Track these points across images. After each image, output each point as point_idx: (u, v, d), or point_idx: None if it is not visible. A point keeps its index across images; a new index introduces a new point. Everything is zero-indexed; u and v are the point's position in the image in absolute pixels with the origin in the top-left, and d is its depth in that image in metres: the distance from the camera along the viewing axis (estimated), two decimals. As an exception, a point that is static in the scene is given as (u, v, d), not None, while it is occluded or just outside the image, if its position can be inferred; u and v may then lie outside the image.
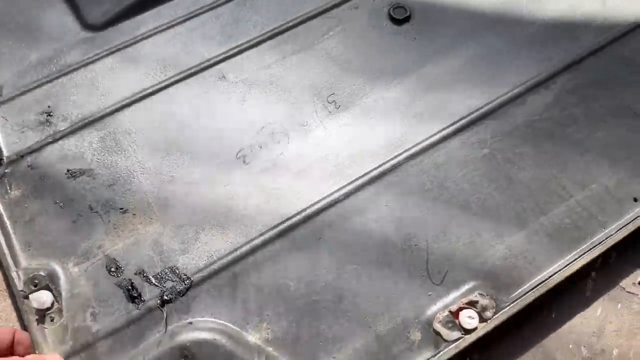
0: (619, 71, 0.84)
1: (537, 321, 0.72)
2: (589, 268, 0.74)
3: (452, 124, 0.81)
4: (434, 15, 0.93)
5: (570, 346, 0.71)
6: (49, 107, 0.86)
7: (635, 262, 0.77)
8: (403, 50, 0.89)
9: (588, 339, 0.71)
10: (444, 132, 0.80)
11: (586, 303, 0.74)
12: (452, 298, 0.69)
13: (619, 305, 0.74)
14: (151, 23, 0.94)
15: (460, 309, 0.68)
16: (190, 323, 0.69)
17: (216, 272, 0.72)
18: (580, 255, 0.71)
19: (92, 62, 0.91)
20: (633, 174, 0.77)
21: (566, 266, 0.71)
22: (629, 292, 0.75)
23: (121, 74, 0.89)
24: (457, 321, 0.67)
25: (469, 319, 0.67)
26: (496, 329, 0.67)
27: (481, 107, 0.82)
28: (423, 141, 0.80)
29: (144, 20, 0.94)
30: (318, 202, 0.76)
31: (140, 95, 0.87)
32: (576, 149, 0.79)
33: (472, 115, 0.81)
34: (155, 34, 0.93)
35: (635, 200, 0.75)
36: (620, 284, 0.76)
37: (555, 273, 0.70)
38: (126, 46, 0.92)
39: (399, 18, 0.92)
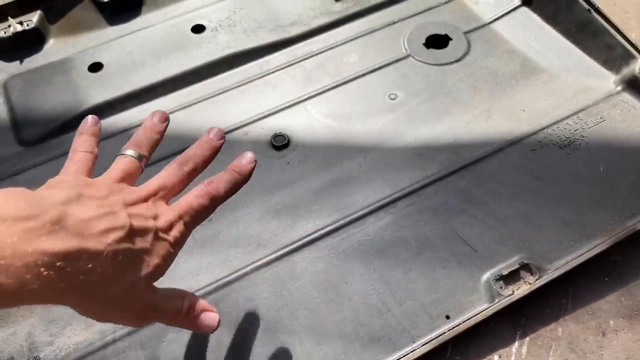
0: (452, 200, 0.96)
1: None
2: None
3: (298, 240, 0.93)
4: (308, 144, 1.08)
5: None
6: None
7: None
8: (275, 173, 1.04)
9: None
10: (289, 248, 0.92)
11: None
12: (264, 399, 0.78)
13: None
14: (69, 143, 1.11)
15: (267, 409, 0.77)
16: (37, 407, 0.79)
17: (69, 364, 0.83)
18: (386, 366, 0.80)
19: (18, 173, 1.08)
20: (449, 293, 0.86)
21: (371, 375, 0.79)
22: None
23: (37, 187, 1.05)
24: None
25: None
26: None
27: (325, 227, 0.94)
28: (269, 255, 0.92)
29: (67, 139, 1.12)
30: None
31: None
32: (401, 268, 0.89)
33: (316, 234, 0.94)
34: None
35: (448, 317, 0.84)
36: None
37: (360, 381, 0.79)
38: (46, 161, 1.09)
39: (278, 145, 1.07)
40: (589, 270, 0.92)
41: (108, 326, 0.87)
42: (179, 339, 0.85)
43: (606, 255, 0.93)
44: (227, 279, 0.90)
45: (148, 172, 1.05)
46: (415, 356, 0.81)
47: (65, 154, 1.11)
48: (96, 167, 1.06)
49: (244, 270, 0.91)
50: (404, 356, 0.81)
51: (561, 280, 0.88)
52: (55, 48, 1.30)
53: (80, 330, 0.87)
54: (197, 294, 0.89)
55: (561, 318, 0.89)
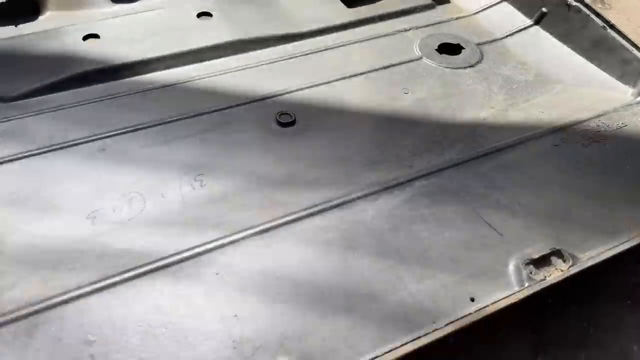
0: (474, 184, 0.88)
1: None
2: None
3: (305, 209, 0.83)
4: (315, 122, 1.00)
5: None
6: None
7: None
8: (280, 149, 0.95)
9: None
10: (295, 216, 0.82)
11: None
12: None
13: None
14: (52, 102, 1.01)
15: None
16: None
17: (15, 320, 0.68)
18: (404, 344, 0.68)
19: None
20: (472, 274, 0.76)
21: (387, 352, 0.67)
22: None
23: (10, 140, 0.94)
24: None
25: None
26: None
27: (334, 199, 0.84)
28: (270, 221, 0.81)
29: (47, 100, 1.01)
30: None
31: (15, 157, 0.90)
32: (420, 245, 0.79)
33: (325, 205, 0.83)
34: (51, 110, 0.99)
35: (472, 299, 0.73)
36: None
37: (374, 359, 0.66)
38: (23, 117, 0.98)
39: (284, 122, 0.99)
40: (610, 292, 0.84)
41: (72, 280, 0.73)
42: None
43: (627, 277, 0.85)
44: (209, 246, 0.78)
45: (138, 135, 0.94)
46: (437, 337, 0.69)
47: (41, 112, 1.01)
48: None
49: (264, 226, 0.79)
50: (424, 335, 0.69)
51: (581, 302, 0.80)
52: (50, 21, 1.22)
53: (36, 281, 0.73)
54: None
55: (582, 343, 0.79)
